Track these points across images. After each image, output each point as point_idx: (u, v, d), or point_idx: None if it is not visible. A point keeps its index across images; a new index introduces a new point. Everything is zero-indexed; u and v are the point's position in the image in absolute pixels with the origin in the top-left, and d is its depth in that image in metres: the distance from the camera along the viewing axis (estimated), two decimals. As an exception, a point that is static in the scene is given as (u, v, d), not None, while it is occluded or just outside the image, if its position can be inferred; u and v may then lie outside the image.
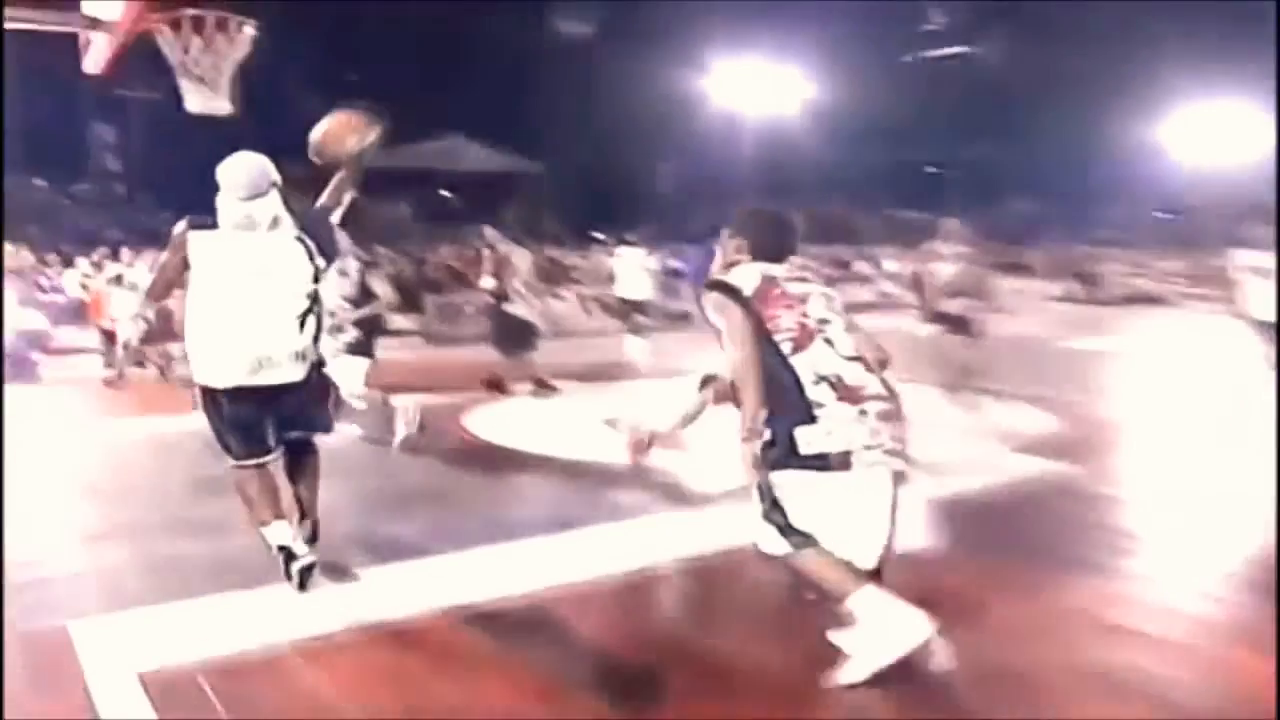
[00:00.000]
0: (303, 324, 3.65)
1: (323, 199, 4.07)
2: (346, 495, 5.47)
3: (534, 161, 29.97)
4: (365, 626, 3.44)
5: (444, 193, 30.06)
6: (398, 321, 15.34)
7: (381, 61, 27.57)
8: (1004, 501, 5.12)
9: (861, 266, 21.78)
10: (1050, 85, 29.25)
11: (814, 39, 27.89)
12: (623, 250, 12.42)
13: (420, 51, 27.92)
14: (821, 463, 2.77)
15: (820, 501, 2.82)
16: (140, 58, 6.49)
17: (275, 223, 3.64)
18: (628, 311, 11.66)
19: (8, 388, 10.08)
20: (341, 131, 4.30)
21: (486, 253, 9.64)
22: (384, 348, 12.79)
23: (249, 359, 3.56)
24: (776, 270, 3.00)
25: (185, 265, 3.65)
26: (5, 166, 25.78)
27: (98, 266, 14.00)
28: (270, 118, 23.48)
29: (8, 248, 14.62)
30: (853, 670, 2.84)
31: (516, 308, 9.16)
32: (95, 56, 6.02)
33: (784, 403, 2.80)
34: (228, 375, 3.58)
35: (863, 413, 2.80)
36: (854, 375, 2.85)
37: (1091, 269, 21.77)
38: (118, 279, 11.02)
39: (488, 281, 9.35)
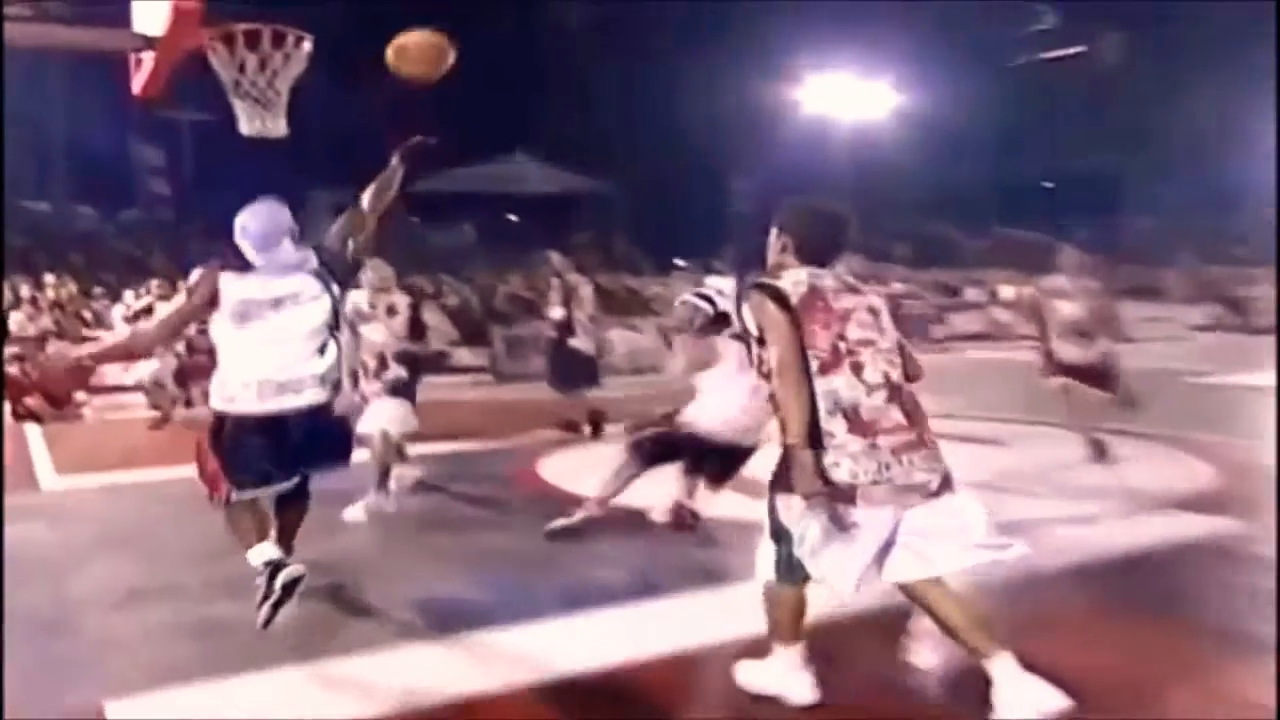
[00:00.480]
0: (323, 349, 3.99)
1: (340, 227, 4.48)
2: (408, 551, 5.44)
3: (606, 182, 30.14)
4: (426, 705, 3.35)
5: (511, 216, 30.45)
6: (463, 357, 15.53)
7: (443, 79, 28.22)
8: (1151, 563, 4.84)
9: (972, 293, 21.31)
10: (1176, 87, 28.42)
11: (912, 43, 27.64)
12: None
13: (481, 68, 28.50)
14: (831, 492, 2.89)
15: (820, 531, 2.91)
16: (191, 77, 6.63)
17: (295, 266, 4.05)
18: None
19: (50, 427, 10.42)
20: (427, 51, 4.80)
21: (555, 281, 9.64)
22: (447, 386, 12.93)
23: (271, 384, 3.89)
24: (825, 280, 3.05)
25: (212, 304, 4.02)
26: (50, 194, 27.01)
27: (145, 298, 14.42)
28: (325, 139, 24.08)
29: (49, 278, 15.15)
30: None
31: (579, 341, 9.11)
32: (145, 76, 6.15)
33: (797, 435, 2.91)
34: (248, 401, 3.89)
35: (874, 446, 2.91)
36: (872, 406, 2.94)
37: (1237, 292, 20.90)
38: (147, 310, 11.19)
39: (556, 312, 9.32)
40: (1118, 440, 7.08)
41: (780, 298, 2.99)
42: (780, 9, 26.65)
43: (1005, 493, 5.91)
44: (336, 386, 4.07)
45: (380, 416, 6.35)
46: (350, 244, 4.36)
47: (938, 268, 24.35)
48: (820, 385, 2.94)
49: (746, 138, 30.78)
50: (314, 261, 4.12)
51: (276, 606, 3.66)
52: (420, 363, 6.71)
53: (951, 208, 31.66)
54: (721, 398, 5.21)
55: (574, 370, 9.02)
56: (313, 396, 3.95)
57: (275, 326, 3.94)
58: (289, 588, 3.68)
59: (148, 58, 5.87)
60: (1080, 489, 6.25)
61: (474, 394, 12.60)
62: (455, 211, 30.49)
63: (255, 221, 4.07)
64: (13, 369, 11.76)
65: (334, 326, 4.07)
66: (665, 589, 4.52)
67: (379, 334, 6.47)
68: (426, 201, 30.26)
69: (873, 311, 3.08)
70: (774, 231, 3.20)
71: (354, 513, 5.99)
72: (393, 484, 6.33)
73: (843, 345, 2.98)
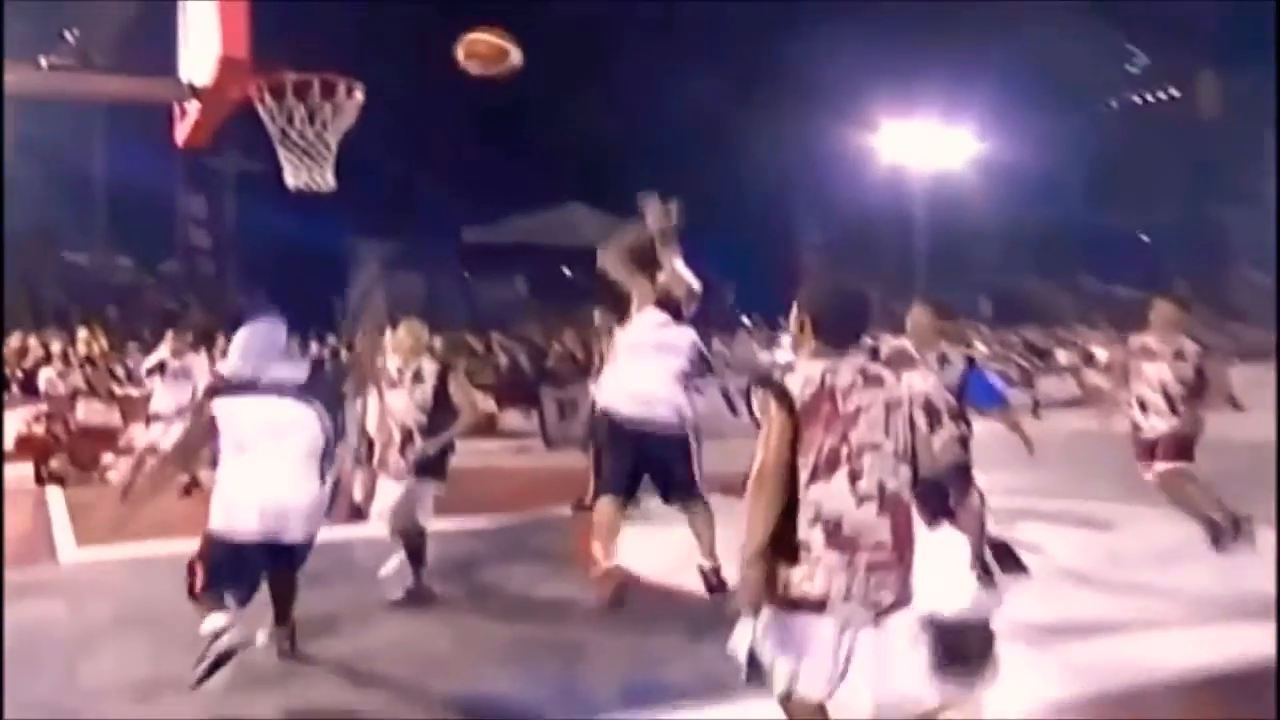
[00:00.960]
0: (322, 477, 4.56)
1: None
2: (448, 640, 5.32)
3: (666, 232, 30.41)
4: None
5: (565, 270, 30.66)
6: (512, 421, 15.51)
7: (494, 125, 28.61)
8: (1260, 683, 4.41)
9: (1063, 354, 20.89)
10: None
11: (995, 87, 27.55)
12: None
13: (537, 114, 28.84)
14: (791, 604, 2.98)
15: (787, 641, 3.00)
16: (236, 125, 6.76)
17: (289, 388, 4.52)
18: None
19: (73, 492, 10.47)
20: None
21: (607, 339, 9.61)
22: (493, 452, 12.86)
23: (261, 517, 4.43)
24: (843, 374, 3.09)
25: (212, 432, 4.55)
26: (89, 245, 27.79)
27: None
28: (373, 189, 24.51)
29: (82, 333, 15.43)
30: None
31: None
32: (189, 127, 6.28)
33: (776, 533, 3.01)
34: (240, 529, 4.44)
35: (850, 563, 2.97)
36: (857, 520, 2.99)
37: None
38: (160, 368, 10.56)
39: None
40: (1245, 530, 6.72)
41: (784, 396, 3.04)
42: (855, 52, 26.69)
43: (1104, 587, 5.68)
44: (318, 520, 4.62)
45: (400, 501, 6.15)
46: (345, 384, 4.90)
47: (1024, 325, 23.99)
48: (808, 493, 3.00)
49: (818, 188, 30.80)
50: (304, 380, 4.69)
51: (210, 671, 4.10)
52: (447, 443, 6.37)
53: (1038, 261, 31.29)
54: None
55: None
56: (298, 534, 4.55)
57: (268, 454, 4.46)
58: (223, 657, 4.13)
59: (192, 107, 5.99)
60: (1186, 587, 5.88)
61: (521, 461, 12.55)
62: (507, 264, 30.81)
63: (252, 341, 4.57)
64: (39, 428, 11.95)
65: (328, 453, 4.57)
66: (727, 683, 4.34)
67: (401, 402, 6.24)
68: (477, 253, 30.71)
69: (890, 407, 3.09)
70: (795, 309, 3.26)
71: (392, 591, 5.94)
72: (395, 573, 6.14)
73: (844, 450, 3.02)
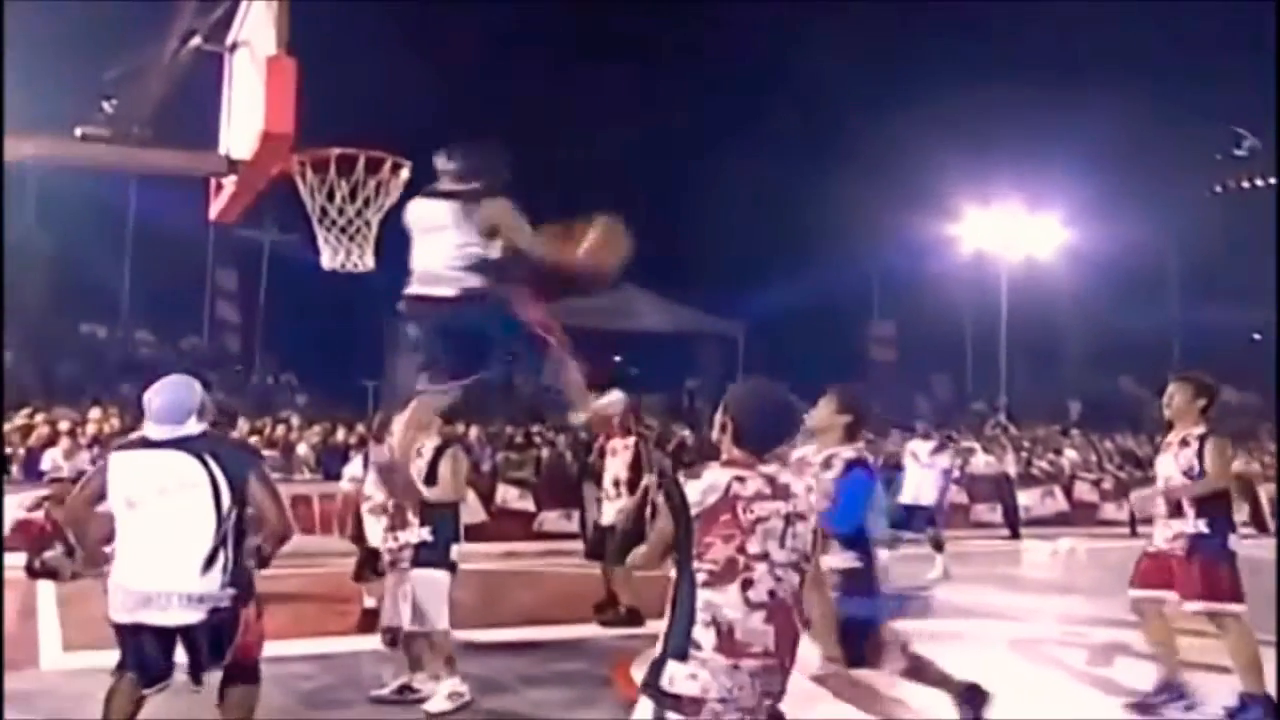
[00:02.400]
0: (209, 563, 4.46)
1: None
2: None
3: (728, 320, 30.38)
4: None
5: (617, 357, 30.76)
6: (551, 521, 15.41)
7: (543, 196, 29.09)
8: None
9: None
10: None
11: (1087, 171, 27.55)
12: (914, 445, 12.46)
13: (592, 190, 29.29)
14: (674, 702, 3.20)
15: None
16: (274, 196, 6.95)
17: (182, 443, 4.52)
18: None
19: (66, 588, 10.42)
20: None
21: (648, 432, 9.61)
22: (527, 555, 12.76)
23: (136, 596, 4.45)
24: (750, 484, 3.31)
25: (101, 496, 4.65)
26: (108, 318, 28.39)
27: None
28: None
29: (94, 413, 15.60)
30: None
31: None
32: (224, 201, 6.47)
33: (671, 631, 3.27)
34: (117, 610, 4.51)
35: (736, 667, 3.21)
36: (748, 627, 3.23)
37: None
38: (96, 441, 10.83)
39: (646, 476, 9.02)
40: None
41: (675, 497, 3.30)
42: (937, 133, 26.91)
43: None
44: (218, 609, 4.48)
45: (410, 602, 6.23)
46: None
47: (1119, 432, 23.63)
48: (703, 595, 3.25)
49: (891, 277, 30.83)
50: (202, 442, 4.59)
51: None
52: (457, 521, 6.46)
53: (1135, 361, 30.87)
54: None
55: (622, 541, 8.78)
56: (180, 617, 4.46)
57: (156, 519, 4.49)
58: None
59: (229, 182, 6.19)
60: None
61: (558, 566, 12.45)
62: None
63: (159, 396, 4.61)
64: (38, 514, 12.04)
65: (228, 534, 4.52)
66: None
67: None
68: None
69: (790, 520, 3.32)
70: (720, 411, 3.49)
71: (439, 704, 6.02)
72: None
73: (740, 560, 3.26)
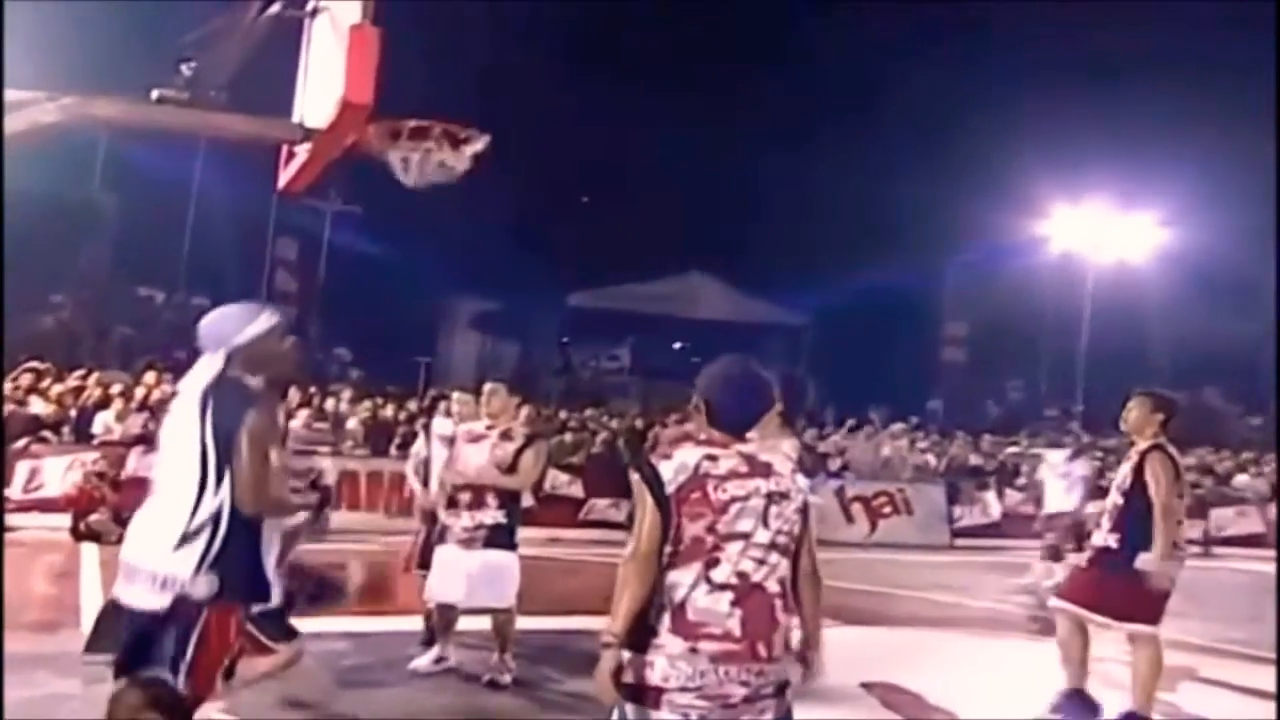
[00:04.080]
0: (183, 540, 3.66)
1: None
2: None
3: (794, 312, 30.38)
4: None
5: (676, 345, 30.91)
6: (602, 510, 15.53)
7: (615, 184, 29.22)
8: None
9: (1245, 482, 20.14)
10: None
11: (1185, 168, 26.99)
12: (1050, 455, 12.44)
13: (659, 175, 29.34)
14: (633, 693, 3.20)
15: None
16: (334, 168, 7.12)
17: (196, 383, 3.79)
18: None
19: (110, 551, 10.80)
20: None
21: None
22: (573, 543, 12.89)
23: (123, 568, 3.81)
24: (724, 462, 3.30)
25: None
26: (166, 284, 28.97)
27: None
28: (473, 243, 25.01)
29: (148, 376, 15.92)
30: None
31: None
32: (295, 170, 6.66)
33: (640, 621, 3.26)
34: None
35: (693, 650, 3.16)
36: (704, 608, 3.20)
37: None
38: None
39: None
40: None
41: (655, 481, 3.27)
42: (1027, 129, 26.58)
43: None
44: (185, 600, 3.65)
45: (472, 578, 6.51)
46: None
47: (1200, 447, 23.29)
48: (667, 577, 3.23)
49: (970, 275, 30.56)
50: (212, 386, 3.78)
51: None
52: (515, 509, 6.72)
53: (1222, 373, 30.35)
54: None
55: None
56: (144, 599, 3.69)
57: (158, 476, 3.86)
58: None
59: (302, 150, 6.39)
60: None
61: (604, 555, 12.59)
62: (613, 334, 31.22)
63: (206, 319, 3.92)
64: (86, 478, 12.36)
65: (201, 496, 3.69)
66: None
67: (480, 458, 6.61)
68: (581, 320, 31.20)
69: (773, 498, 3.29)
70: (694, 395, 3.49)
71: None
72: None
73: (709, 539, 3.23)
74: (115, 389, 14.93)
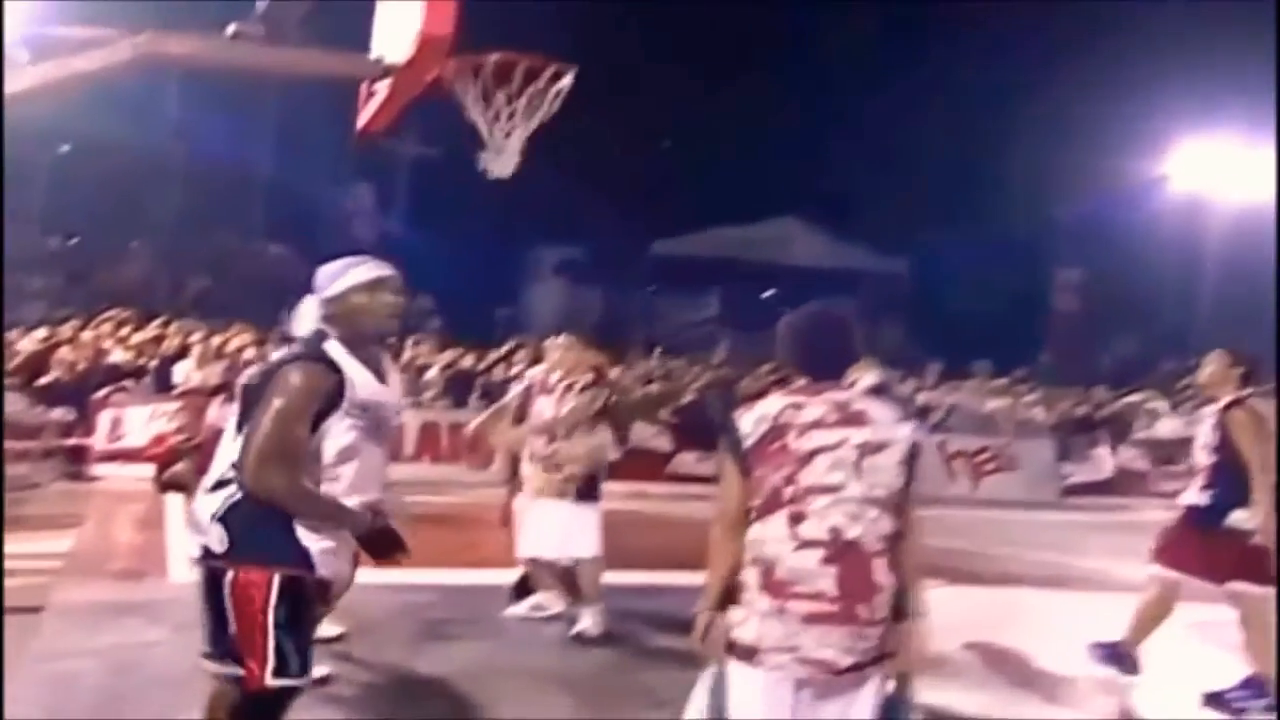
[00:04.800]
0: (217, 485, 3.53)
1: None
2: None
3: (892, 258, 29.97)
4: None
5: (768, 293, 30.70)
6: (690, 464, 15.55)
7: (707, 125, 28.95)
8: None
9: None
10: None
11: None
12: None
13: (753, 114, 29.02)
14: (732, 648, 3.23)
15: (721, 693, 3.26)
16: (417, 109, 7.14)
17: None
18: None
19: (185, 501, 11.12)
20: None
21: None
22: (661, 497, 12.92)
23: None
24: (805, 409, 3.27)
25: None
26: (242, 231, 29.47)
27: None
28: (556, 188, 25.08)
29: (237, 330, 16.20)
30: None
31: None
32: (375, 108, 6.71)
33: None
34: None
35: (782, 610, 3.15)
36: (793, 565, 3.17)
37: None
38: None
39: None
40: None
41: (733, 441, 3.28)
42: (1147, 61, 25.77)
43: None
44: (208, 552, 3.49)
45: (556, 530, 6.65)
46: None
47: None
48: (751, 532, 3.23)
49: (1084, 220, 29.84)
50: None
51: None
52: (603, 460, 6.86)
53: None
54: None
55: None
56: (188, 545, 3.62)
57: None
58: None
59: (382, 87, 6.43)
60: None
61: (692, 510, 12.61)
62: (702, 282, 31.07)
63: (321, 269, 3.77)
64: (169, 426, 12.67)
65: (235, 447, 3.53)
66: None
67: (550, 410, 6.73)
68: (667, 267, 31.11)
69: (867, 449, 3.23)
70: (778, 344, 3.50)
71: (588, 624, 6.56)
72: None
73: (789, 490, 3.20)
74: (194, 338, 15.27)
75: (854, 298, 29.32)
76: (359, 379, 3.49)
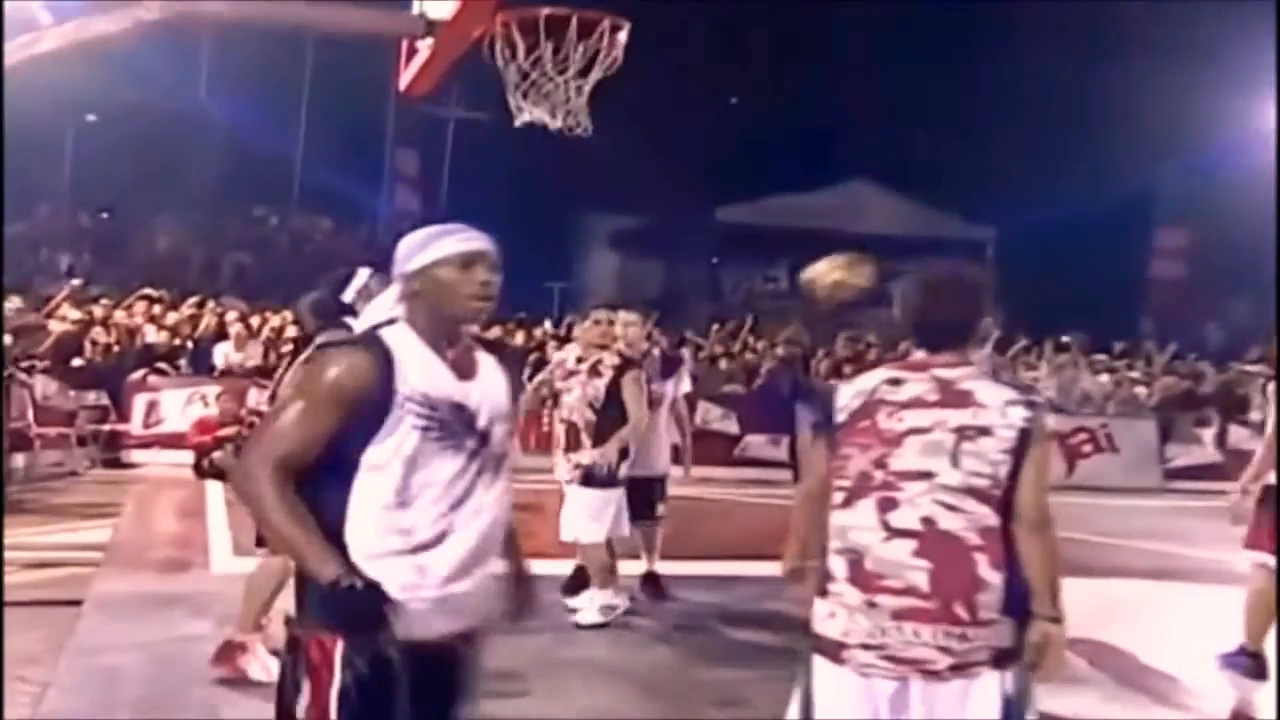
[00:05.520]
0: None
1: None
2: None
3: (977, 225, 29.66)
4: None
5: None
6: (760, 448, 15.49)
7: (770, 83, 28.78)
8: None
9: None
10: None
11: None
12: None
13: (821, 70, 28.81)
14: (818, 643, 3.17)
15: (818, 690, 3.19)
16: (462, 68, 7.14)
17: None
18: None
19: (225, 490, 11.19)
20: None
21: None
22: (727, 483, 12.84)
23: None
24: (905, 385, 3.20)
25: None
26: (280, 204, 29.69)
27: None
28: (610, 156, 25.08)
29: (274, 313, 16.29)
30: None
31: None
32: (417, 69, 6.74)
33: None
34: None
35: (871, 604, 3.09)
36: (881, 556, 3.10)
37: None
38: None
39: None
40: None
41: (823, 418, 3.27)
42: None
43: None
44: None
45: (567, 514, 6.81)
46: None
47: None
48: (836, 518, 3.19)
49: (1192, 174, 29.35)
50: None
51: None
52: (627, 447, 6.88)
53: None
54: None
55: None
56: None
57: None
58: None
59: (424, 47, 6.45)
60: None
61: (762, 497, 12.57)
62: (769, 252, 30.93)
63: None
64: (211, 411, 12.81)
65: None
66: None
67: (573, 396, 6.86)
68: (732, 236, 31.00)
69: (967, 433, 3.12)
70: (894, 304, 3.41)
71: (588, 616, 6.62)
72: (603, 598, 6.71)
73: (878, 474, 3.14)
74: (231, 317, 15.42)
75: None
76: (423, 370, 2.91)
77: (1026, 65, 28.04)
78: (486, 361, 3.15)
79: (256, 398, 12.60)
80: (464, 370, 3.02)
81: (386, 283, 4.49)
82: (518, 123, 6.64)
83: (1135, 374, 18.65)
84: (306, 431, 2.83)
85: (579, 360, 6.96)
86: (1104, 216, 28.91)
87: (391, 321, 3.05)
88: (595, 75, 5.94)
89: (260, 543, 5.36)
